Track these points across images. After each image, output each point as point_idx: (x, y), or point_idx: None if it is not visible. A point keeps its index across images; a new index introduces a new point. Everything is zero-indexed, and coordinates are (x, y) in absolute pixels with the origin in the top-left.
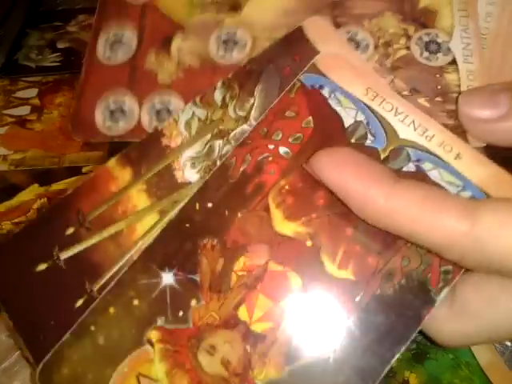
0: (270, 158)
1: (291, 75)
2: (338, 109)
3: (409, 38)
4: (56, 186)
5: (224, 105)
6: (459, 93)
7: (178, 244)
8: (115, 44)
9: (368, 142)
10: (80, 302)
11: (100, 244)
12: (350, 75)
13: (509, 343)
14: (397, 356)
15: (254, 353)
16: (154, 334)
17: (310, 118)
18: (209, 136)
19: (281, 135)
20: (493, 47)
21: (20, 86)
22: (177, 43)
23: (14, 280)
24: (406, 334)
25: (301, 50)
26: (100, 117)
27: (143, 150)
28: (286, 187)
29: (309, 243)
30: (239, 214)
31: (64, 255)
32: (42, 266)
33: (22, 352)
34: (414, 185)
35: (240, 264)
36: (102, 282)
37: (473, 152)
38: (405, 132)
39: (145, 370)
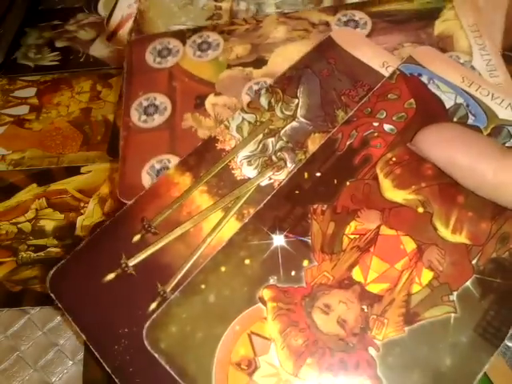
0: (376, 134)
1: (330, 76)
2: (437, 93)
3: None
4: (55, 186)
5: (271, 108)
6: None
7: (287, 208)
8: (149, 108)
9: (470, 121)
10: (154, 305)
11: (168, 246)
12: (445, 65)
13: (510, 344)
14: None
15: (371, 313)
16: (266, 293)
17: (412, 99)
18: (261, 136)
19: (385, 114)
20: None
21: (18, 86)
22: (211, 100)
23: (83, 293)
24: None
25: (334, 55)
26: (146, 178)
27: (200, 156)
28: (393, 159)
29: (420, 210)
30: (348, 183)
31: (132, 262)
32: (111, 276)
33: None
34: None
35: (351, 228)
36: (175, 281)
37: None
38: (503, 113)
39: (257, 329)
